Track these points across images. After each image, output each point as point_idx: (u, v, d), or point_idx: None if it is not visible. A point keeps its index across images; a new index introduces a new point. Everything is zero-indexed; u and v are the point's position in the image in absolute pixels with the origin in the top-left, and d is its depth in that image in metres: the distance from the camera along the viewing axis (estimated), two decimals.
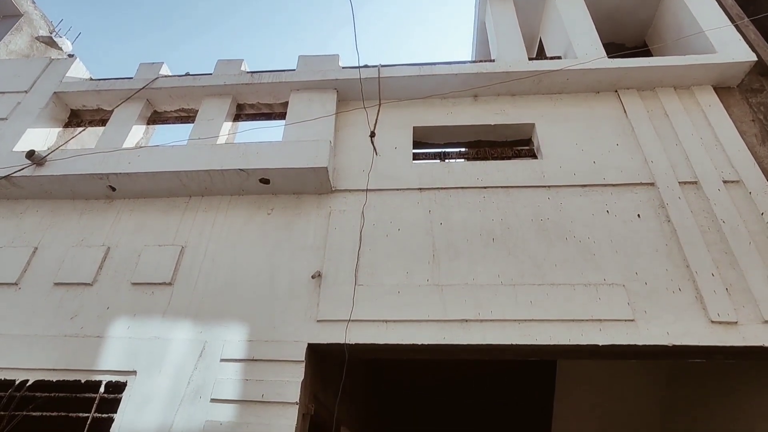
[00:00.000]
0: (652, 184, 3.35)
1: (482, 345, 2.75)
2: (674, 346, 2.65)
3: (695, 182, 3.31)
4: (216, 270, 3.19)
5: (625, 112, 3.79)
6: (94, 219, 3.55)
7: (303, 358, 2.74)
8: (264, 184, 3.50)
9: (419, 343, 2.77)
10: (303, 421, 2.67)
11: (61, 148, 3.76)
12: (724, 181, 3.28)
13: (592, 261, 3.02)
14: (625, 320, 2.74)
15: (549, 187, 3.42)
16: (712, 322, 2.71)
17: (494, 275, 3.01)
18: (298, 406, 2.58)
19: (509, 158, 3.86)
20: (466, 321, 2.82)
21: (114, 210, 3.60)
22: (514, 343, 2.72)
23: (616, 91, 3.93)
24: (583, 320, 2.76)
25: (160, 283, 3.13)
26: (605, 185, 3.37)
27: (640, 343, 2.67)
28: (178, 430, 2.54)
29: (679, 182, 3.30)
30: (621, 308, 2.78)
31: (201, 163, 3.47)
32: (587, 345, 2.69)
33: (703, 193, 3.24)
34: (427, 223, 3.30)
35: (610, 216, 3.22)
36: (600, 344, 2.68)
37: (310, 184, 3.47)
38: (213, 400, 2.62)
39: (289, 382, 2.65)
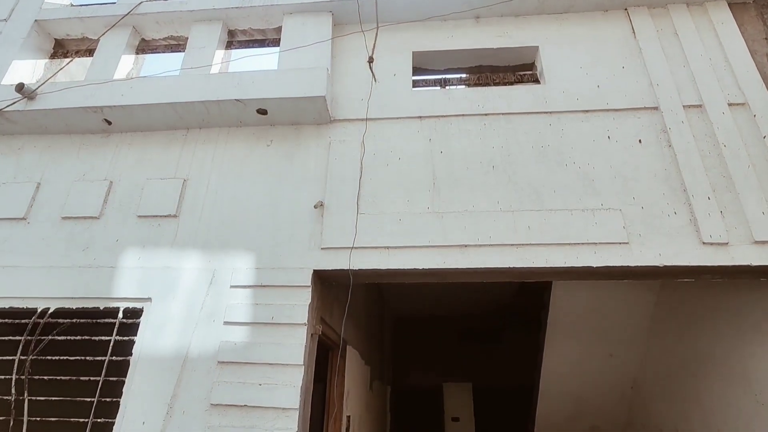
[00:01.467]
0: (655, 108, 3.29)
1: (481, 268, 2.87)
2: (665, 266, 2.76)
3: (700, 105, 3.26)
4: (219, 202, 3.23)
5: (633, 32, 3.63)
6: (94, 154, 3.54)
7: (309, 284, 2.86)
8: (262, 115, 3.45)
9: (420, 267, 2.88)
10: (311, 340, 2.85)
11: (50, 81, 3.65)
12: (729, 104, 3.23)
13: (591, 187, 3.05)
14: (620, 243, 2.83)
15: (551, 113, 3.37)
16: (704, 243, 2.80)
17: (494, 202, 3.06)
18: (306, 327, 2.74)
19: (511, 84, 3.76)
20: (466, 246, 2.91)
21: (112, 144, 3.57)
22: (511, 266, 2.84)
23: (626, 9, 3.74)
24: (578, 244, 2.86)
25: (165, 216, 3.19)
26: (608, 110, 3.32)
27: (632, 264, 2.77)
28: (195, 350, 2.72)
29: (683, 106, 3.25)
30: (616, 232, 2.86)
31: (196, 93, 3.39)
32: (582, 267, 2.81)
33: (706, 117, 3.20)
34: (428, 152, 3.30)
35: (611, 142, 3.21)
36: (594, 266, 2.79)
37: (309, 114, 3.42)
38: (226, 323, 2.78)
39: (297, 306, 2.80)
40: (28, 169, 3.49)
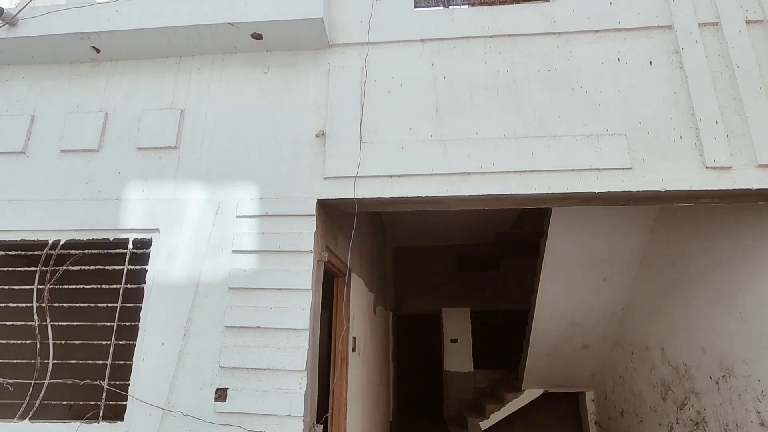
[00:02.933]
0: (669, 26, 3.14)
1: (484, 196, 2.90)
2: (666, 191, 2.79)
3: (716, 23, 3.11)
4: (219, 133, 3.19)
5: None
6: (85, 84, 3.42)
7: (314, 213, 2.90)
8: (257, 40, 3.29)
9: (423, 195, 2.90)
10: (318, 267, 2.94)
11: (30, 5, 3.44)
12: (747, 21, 3.08)
13: (597, 112, 3.00)
14: (623, 169, 2.83)
15: (559, 34, 3.22)
16: (707, 167, 2.80)
17: (497, 129, 3.02)
18: (312, 254, 2.82)
19: (518, 2, 3.55)
20: (468, 174, 2.92)
21: (104, 74, 3.45)
22: (514, 193, 2.86)
23: None
24: (581, 170, 2.86)
25: (165, 147, 3.16)
26: (619, 30, 3.17)
27: (634, 189, 2.80)
28: (206, 277, 2.82)
29: (699, 24, 3.10)
30: (620, 157, 2.85)
31: (185, 17, 3.21)
32: (584, 193, 2.83)
33: (722, 36, 3.07)
34: (430, 78, 3.19)
35: (621, 64, 3.10)
36: (596, 191, 2.81)
37: (306, 39, 3.27)
38: (234, 252, 2.85)
39: (303, 234, 2.86)
40: (19, 101, 3.40)
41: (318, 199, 2.94)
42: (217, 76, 3.34)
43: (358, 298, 4.61)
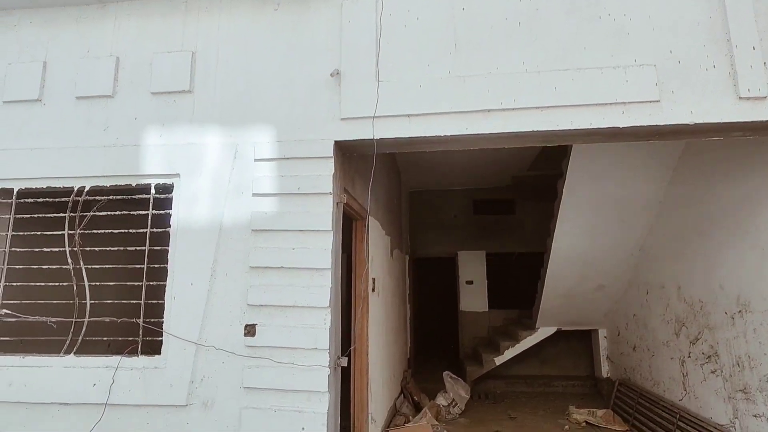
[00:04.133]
0: None
1: (503, 133, 2.84)
2: (695, 124, 2.69)
3: None
4: (232, 75, 3.12)
5: None
6: (93, 27, 3.34)
7: (331, 155, 2.89)
8: None
9: (442, 134, 2.85)
10: (337, 208, 2.97)
11: None
12: None
13: (625, 41, 2.84)
14: (650, 101, 2.72)
15: None
16: (740, 98, 2.67)
17: (519, 63, 2.89)
18: (331, 196, 2.84)
19: None
20: (489, 111, 2.84)
21: (111, 16, 3.35)
22: (535, 129, 2.79)
23: None
24: (606, 104, 2.76)
25: (179, 92, 3.12)
26: None
27: (661, 123, 2.70)
28: (228, 220, 2.88)
29: None
30: (648, 89, 2.73)
31: None
32: (608, 128, 2.75)
33: None
34: (448, 10, 3.03)
35: None
36: (621, 126, 2.73)
37: None
38: (255, 195, 2.89)
39: (321, 176, 2.86)
40: (30, 47, 3.35)
41: (335, 141, 2.92)
42: (227, 15, 3.23)
43: (375, 240, 4.68)
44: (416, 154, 6.73)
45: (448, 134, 2.84)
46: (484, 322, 8.29)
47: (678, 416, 4.63)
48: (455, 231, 8.63)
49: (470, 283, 8.40)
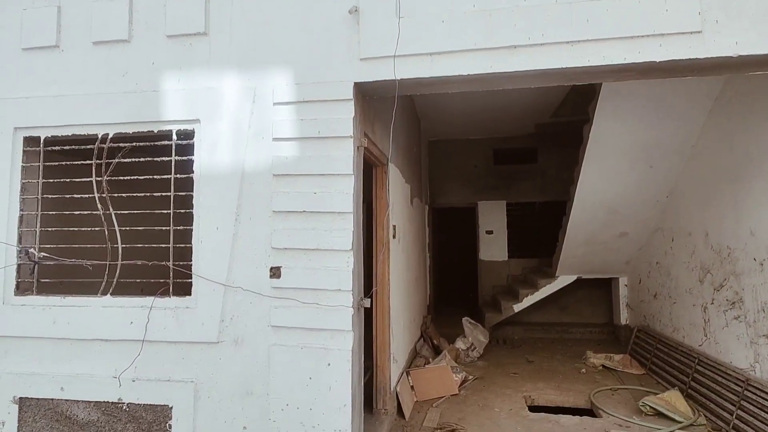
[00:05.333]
0: None
1: (530, 71, 2.70)
2: (740, 56, 2.50)
3: None
4: (247, 16, 3.02)
5: None
6: None
7: (351, 97, 2.82)
8: None
9: (465, 73, 2.73)
10: (358, 152, 2.94)
11: None
12: None
13: None
14: (691, 32, 2.53)
15: None
16: None
17: None
18: (352, 139, 2.80)
19: None
20: (515, 47, 2.70)
21: None
22: (565, 66, 2.65)
23: None
24: (642, 36, 2.58)
25: (195, 34, 3.05)
26: None
27: (702, 56, 2.52)
28: (250, 165, 2.89)
29: None
30: (689, 19, 2.53)
31: None
32: (643, 63, 2.59)
33: None
34: None
35: None
36: (657, 60, 2.56)
37: None
38: (275, 139, 2.87)
39: (341, 119, 2.81)
40: None
41: (355, 83, 2.84)
42: None
43: (395, 187, 4.66)
44: (436, 101, 6.54)
45: (472, 73, 2.72)
46: (504, 270, 8.34)
47: (696, 360, 4.67)
48: (475, 181, 8.53)
49: (490, 233, 8.39)
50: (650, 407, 4.23)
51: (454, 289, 9.98)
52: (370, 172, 4.02)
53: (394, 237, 4.41)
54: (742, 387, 3.91)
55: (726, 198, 4.39)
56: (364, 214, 4.26)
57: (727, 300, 4.36)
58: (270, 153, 2.87)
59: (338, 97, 2.83)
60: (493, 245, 8.37)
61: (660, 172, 5.29)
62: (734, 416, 3.87)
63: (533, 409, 4.58)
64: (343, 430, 2.63)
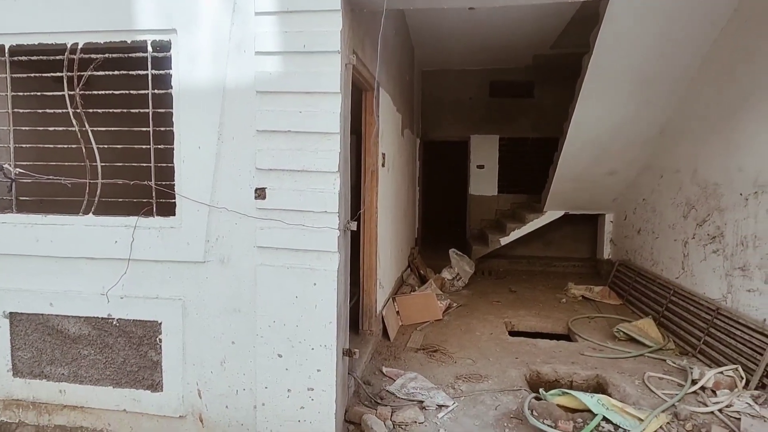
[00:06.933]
0: None
1: None
2: None
3: None
4: None
5: None
6: None
7: (339, 7, 2.62)
8: None
9: None
10: (346, 70, 2.80)
11: None
12: None
13: None
14: None
15: None
16: None
17: None
18: (340, 55, 2.64)
19: None
20: None
21: None
22: None
23: None
24: None
25: None
26: None
27: None
28: (232, 81, 2.74)
29: None
30: None
31: None
32: None
33: None
34: None
35: None
36: None
37: None
38: (257, 53, 2.70)
39: (328, 32, 2.64)
40: None
41: None
42: None
43: (386, 115, 4.53)
44: (432, 27, 6.20)
45: None
46: (493, 205, 8.41)
47: (672, 292, 4.86)
48: (469, 114, 8.34)
49: (481, 167, 8.35)
50: (624, 333, 4.45)
51: (444, 223, 10.11)
52: (360, 99, 3.87)
53: (383, 165, 4.35)
54: (712, 316, 4.10)
55: (718, 133, 4.35)
56: (354, 145, 4.17)
57: (708, 234, 4.45)
58: (253, 68, 2.71)
59: (325, 8, 2.63)
60: (484, 180, 8.36)
61: (656, 107, 5.19)
62: (701, 342, 4.09)
63: (513, 333, 4.80)
64: (328, 346, 2.72)
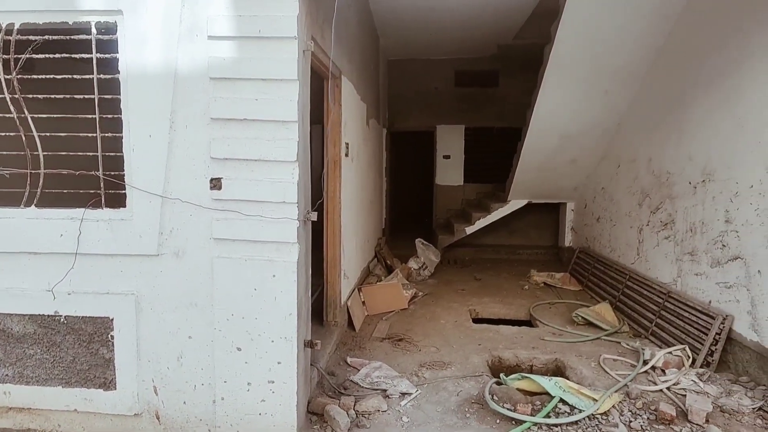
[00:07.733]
0: None
1: None
2: None
3: None
4: None
5: None
6: None
7: None
8: None
9: None
10: (304, 57, 2.73)
11: None
12: None
13: None
14: None
15: None
16: None
17: None
18: (297, 41, 2.57)
19: None
20: None
21: None
22: None
23: None
24: None
25: None
26: None
27: None
28: (184, 67, 2.62)
29: None
30: None
31: None
32: None
33: None
34: None
35: None
36: None
37: None
38: (210, 38, 2.59)
39: (284, 17, 2.55)
40: None
41: None
42: None
43: (349, 104, 4.47)
44: (396, 16, 6.14)
45: None
46: (459, 195, 8.50)
47: (627, 277, 5.06)
48: (435, 104, 8.36)
49: (447, 157, 8.41)
50: (582, 318, 4.60)
51: (411, 213, 10.16)
52: (321, 87, 3.79)
53: (347, 155, 4.30)
54: (663, 299, 4.29)
55: (671, 124, 4.51)
56: (319, 135, 4.10)
57: (660, 222, 4.64)
58: (206, 53, 2.60)
59: None
60: (450, 170, 8.43)
61: (615, 97, 5.35)
62: (653, 324, 4.28)
63: (477, 321, 4.88)
64: (289, 338, 2.68)
